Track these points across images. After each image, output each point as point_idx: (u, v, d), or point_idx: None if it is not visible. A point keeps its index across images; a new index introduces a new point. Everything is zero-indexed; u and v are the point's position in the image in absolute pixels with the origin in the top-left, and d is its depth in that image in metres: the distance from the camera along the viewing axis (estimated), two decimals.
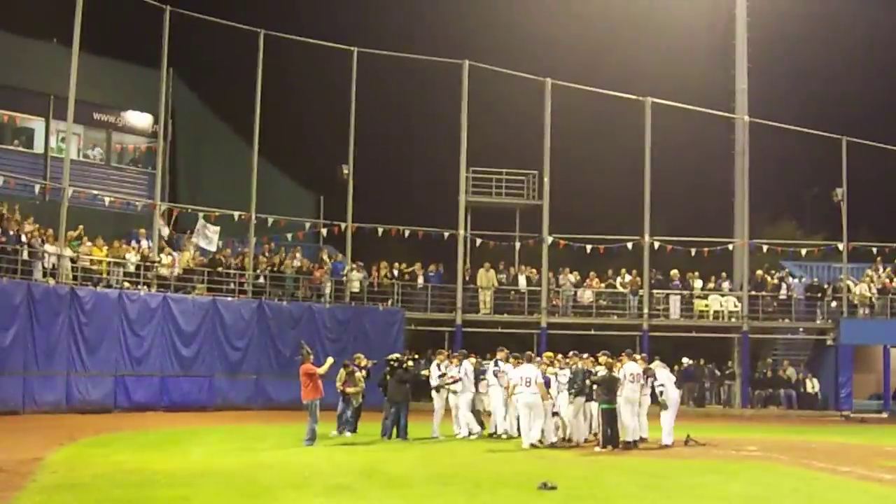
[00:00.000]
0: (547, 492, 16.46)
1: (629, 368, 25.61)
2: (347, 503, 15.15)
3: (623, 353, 26.33)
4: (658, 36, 52.67)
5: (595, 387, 24.87)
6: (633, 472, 19.72)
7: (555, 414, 26.01)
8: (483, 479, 18.10)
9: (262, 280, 39.98)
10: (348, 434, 26.47)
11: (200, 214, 39.53)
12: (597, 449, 24.20)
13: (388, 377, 26.70)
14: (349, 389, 26.61)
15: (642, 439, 25.90)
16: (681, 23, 51.17)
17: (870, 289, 45.48)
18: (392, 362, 26.87)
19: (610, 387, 24.61)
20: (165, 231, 38.69)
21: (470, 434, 27.27)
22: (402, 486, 17.08)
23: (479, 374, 28.14)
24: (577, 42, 51.86)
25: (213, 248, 39.16)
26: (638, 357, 27.61)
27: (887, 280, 45.96)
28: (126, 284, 35.93)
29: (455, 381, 27.32)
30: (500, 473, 19.12)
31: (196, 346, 36.53)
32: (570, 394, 25.56)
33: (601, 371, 25.27)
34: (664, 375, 26.81)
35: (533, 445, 24.76)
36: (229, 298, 38.06)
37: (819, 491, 17.61)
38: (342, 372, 27.27)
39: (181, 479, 17.30)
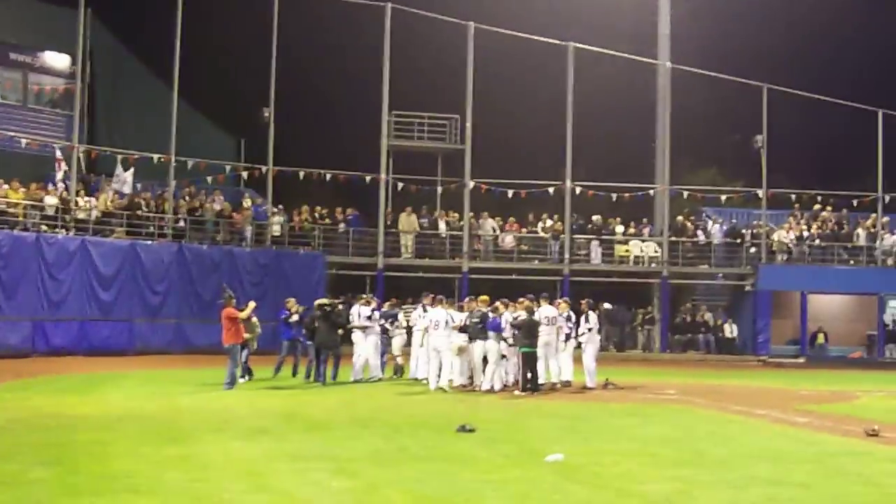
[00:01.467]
0: (465, 434, 16.51)
1: (545, 312, 25.73)
2: (266, 446, 15.06)
3: (540, 297, 26.44)
4: None
5: (515, 331, 24.90)
6: (553, 416, 19.87)
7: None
8: (402, 422, 18.15)
9: (182, 224, 39.59)
10: (244, 380, 25.84)
11: (119, 158, 39.03)
12: (517, 392, 24.25)
13: (315, 322, 26.55)
14: (247, 335, 26.13)
15: (565, 383, 26.12)
16: None
17: (788, 235, 46.07)
18: (324, 307, 26.72)
19: (530, 330, 24.61)
20: (60, 174, 37.78)
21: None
22: (321, 429, 17.07)
23: (390, 318, 28.16)
24: None
25: (127, 190, 38.69)
26: (562, 301, 27.77)
27: (805, 226, 46.58)
28: (44, 228, 35.41)
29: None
30: (419, 416, 19.16)
31: (115, 290, 36.14)
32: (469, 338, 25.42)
33: (522, 315, 25.32)
34: (593, 318, 27.09)
35: (440, 389, 24.89)
36: (149, 242, 37.68)
37: (734, 433, 17.84)
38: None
39: (99, 423, 17.16)
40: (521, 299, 25.66)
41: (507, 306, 25.81)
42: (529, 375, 24.40)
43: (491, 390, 24.60)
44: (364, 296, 29.21)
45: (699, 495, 11.90)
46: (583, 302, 27.65)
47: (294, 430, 17.03)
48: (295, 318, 27.31)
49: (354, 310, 27.41)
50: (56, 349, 34.05)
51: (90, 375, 27.76)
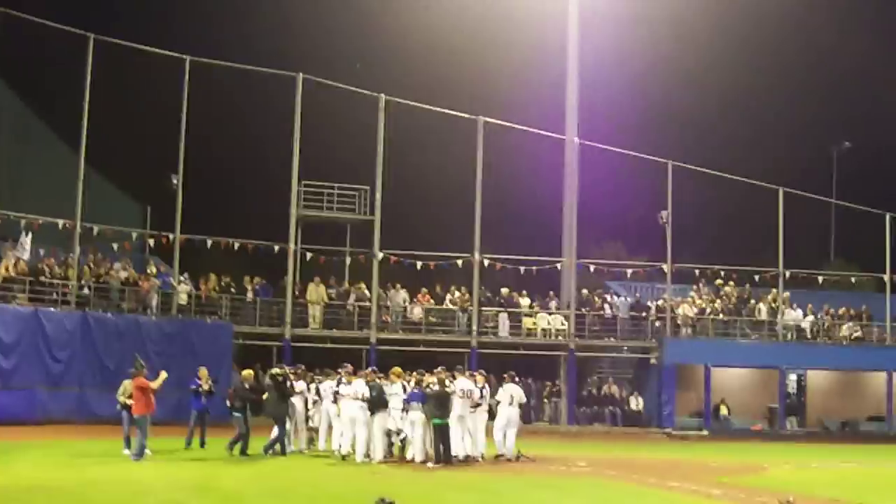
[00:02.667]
0: None
1: (461, 384, 25.66)
2: None
3: (455, 370, 26.42)
4: (493, 55, 53.13)
5: (425, 403, 24.74)
6: (469, 489, 19.77)
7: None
8: (319, 495, 17.91)
9: (86, 291, 38.92)
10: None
11: (22, 222, 38.39)
12: (430, 465, 24.06)
13: (265, 393, 26.27)
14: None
15: (476, 458, 25.96)
16: (516, 41, 51.74)
17: (692, 309, 46.68)
18: (277, 377, 26.35)
19: (442, 402, 24.52)
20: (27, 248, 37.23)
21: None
22: (236, 502, 16.76)
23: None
24: (412, 57, 51.99)
25: (26, 257, 38.02)
26: (477, 373, 27.70)
27: (709, 301, 47.24)
28: None
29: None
30: (336, 490, 18.94)
31: (16, 357, 35.23)
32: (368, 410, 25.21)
33: (434, 387, 25.22)
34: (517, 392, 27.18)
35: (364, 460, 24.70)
36: (52, 309, 36.94)
37: None
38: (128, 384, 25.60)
39: (9, 496, 16.68)
40: (436, 370, 25.56)
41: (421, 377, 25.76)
42: (442, 447, 24.27)
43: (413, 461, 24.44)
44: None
45: None
46: (505, 375, 27.71)
47: (208, 502, 16.71)
48: (206, 387, 26.90)
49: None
50: None
51: None
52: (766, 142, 62.47)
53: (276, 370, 27.26)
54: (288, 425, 26.79)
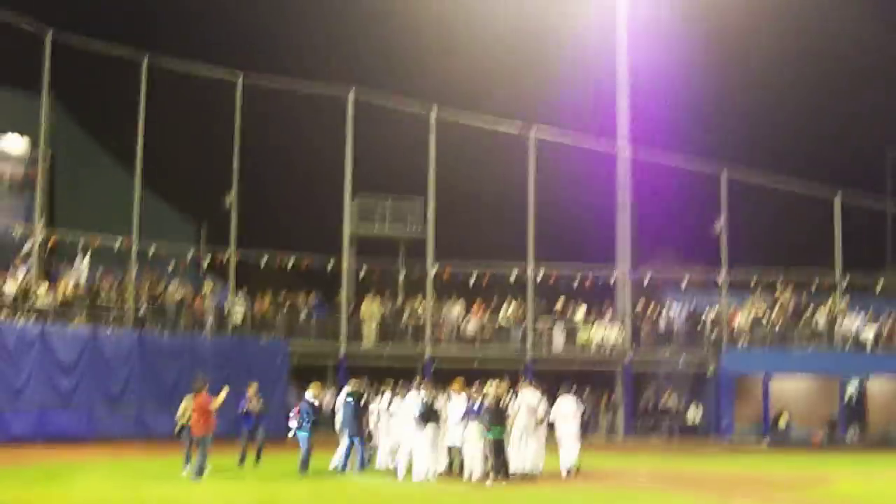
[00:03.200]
0: None
1: (526, 397, 25.48)
2: None
3: (520, 382, 26.28)
4: (543, 64, 52.86)
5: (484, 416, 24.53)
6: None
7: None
8: None
9: (142, 311, 39.16)
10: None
11: (80, 243, 38.72)
12: (487, 482, 23.81)
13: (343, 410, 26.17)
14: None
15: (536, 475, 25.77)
16: (566, 51, 51.43)
17: (748, 319, 46.22)
18: (354, 394, 26.27)
19: (498, 416, 24.28)
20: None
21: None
22: None
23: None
24: (462, 69, 51.80)
25: (83, 278, 38.35)
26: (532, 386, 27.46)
27: (765, 310, 46.74)
28: (3, 316, 34.87)
29: None
30: None
31: (75, 378, 35.51)
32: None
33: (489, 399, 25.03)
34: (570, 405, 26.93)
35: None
36: (109, 330, 37.18)
37: None
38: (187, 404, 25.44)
39: None
40: (493, 382, 25.28)
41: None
42: (498, 462, 24.02)
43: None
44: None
45: None
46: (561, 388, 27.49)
47: None
48: (253, 406, 27.07)
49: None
50: (15, 438, 33.29)
51: (52, 465, 27.12)
52: (821, 147, 61.71)
53: (351, 387, 27.01)
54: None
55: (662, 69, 51.06)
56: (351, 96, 43.04)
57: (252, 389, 27.49)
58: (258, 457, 27.14)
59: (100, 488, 21.56)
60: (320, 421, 26.56)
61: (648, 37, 48.61)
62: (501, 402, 24.51)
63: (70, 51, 38.09)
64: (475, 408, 24.51)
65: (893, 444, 45.01)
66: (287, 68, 44.62)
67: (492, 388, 24.96)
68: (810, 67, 61.70)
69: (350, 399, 26.11)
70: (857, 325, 46.76)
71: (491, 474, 23.90)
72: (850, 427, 46.35)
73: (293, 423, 25.81)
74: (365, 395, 26.63)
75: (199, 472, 23.36)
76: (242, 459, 27.04)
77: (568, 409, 26.73)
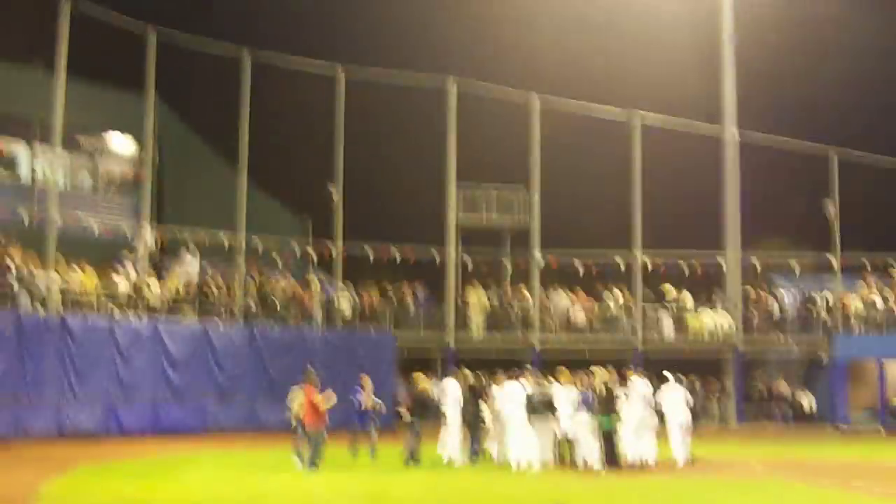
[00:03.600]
0: None
1: (639, 386, 25.23)
2: None
3: (629, 370, 26.07)
4: (646, 50, 52.14)
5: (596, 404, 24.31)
6: (643, 495, 19.34)
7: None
8: (492, 501, 17.67)
9: (251, 305, 39.50)
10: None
11: (188, 239, 39.20)
12: (599, 471, 23.56)
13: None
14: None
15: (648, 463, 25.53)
16: (668, 36, 50.77)
17: (863, 302, 45.27)
18: (475, 385, 26.33)
19: (608, 404, 24.01)
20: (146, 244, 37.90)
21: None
22: None
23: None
24: (564, 55, 51.29)
25: (193, 276, 38.78)
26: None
27: (880, 293, 45.71)
28: (116, 312, 35.36)
29: None
30: (507, 495, 18.66)
31: (187, 372, 35.93)
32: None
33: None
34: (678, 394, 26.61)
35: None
36: (220, 325, 37.54)
37: None
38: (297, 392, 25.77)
39: None
40: (602, 369, 25.02)
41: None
42: (609, 450, 23.77)
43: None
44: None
45: None
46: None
47: None
48: (368, 403, 26.92)
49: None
50: (128, 432, 33.80)
51: (165, 458, 27.42)
52: None
53: (472, 379, 26.99)
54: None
55: (769, 49, 50.22)
56: (453, 87, 42.91)
57: (366, 384, 27.29)
58: (373, 453, 27.03)
59: (213, 480, 21.70)
60: (429, 413, 26.52)
61: (754, 15, 47.81)
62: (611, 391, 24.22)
63: (174, 49, 38.51)
64: (588, 398, 24.35)
65: None
66: (387, 60, 44.58)
67: (599, 376, 24.73)
68: None
69: (466, 390, 26.14)
70: None
71: (602, 464, 23.68)
72: None
73: (404, 414, 25.84)
74: (481, 386, 26.57)
75: (312, 464, 23.43)
76: (355, 453, 27.03)
77: (677, 397, 26.34)
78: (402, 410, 26.06)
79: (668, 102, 46.71)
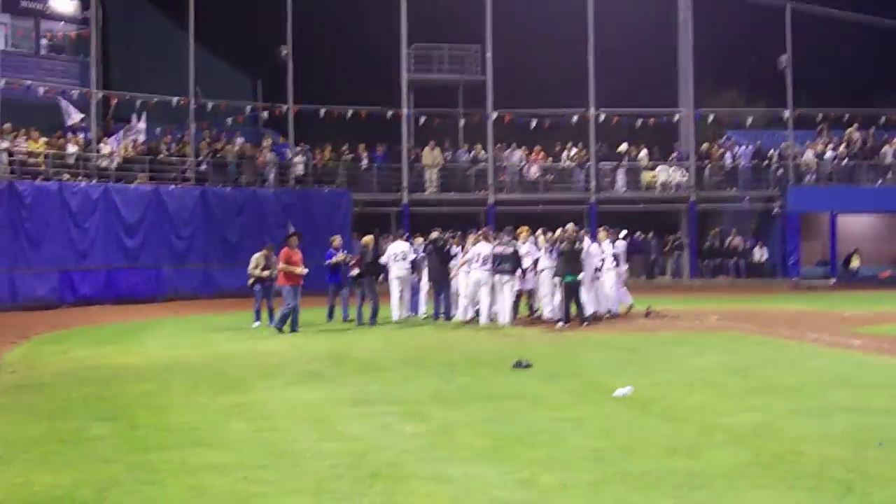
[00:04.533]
0: (522, 370, 16.13)
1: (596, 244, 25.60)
2: (323, 390, 14.63)
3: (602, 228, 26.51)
4: None
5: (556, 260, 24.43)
6: (605, 348, 19.48)
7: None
8: (456, 360, 17.74)
9: (204, 167, 39.15)
10: (258, 324, 25.28)
11: (137, 102, 38.65)
12: (559, 325, 23.77)
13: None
14: (264, 273, 25.31)
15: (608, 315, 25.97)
16: None
17: (815, 155, 45.49)
18: (437, 241, 26.09)
19: (573, 260, 24.04)
20: (78, 117, 37.17)
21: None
22: (374, 371, 16.65)
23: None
24: None
25: (141, 138, 38.27)
26: (601, 230, 27.33)
27: (832, 146, 45.92)
28: (66, 176, 34.93)
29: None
30: (470, 354, 18.75)
31: (140, 236, 35.75)
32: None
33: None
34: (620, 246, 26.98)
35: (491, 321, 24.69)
36: (172, 187, 37.21)
37: (795, 358, 17.44)
38: (259, 257, 25.66)
39: (146, 374, 16.74)
40: (566, 228, 25.02)
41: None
42: (574, 306, 23.96)
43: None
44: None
45: (785, 426, 11.40)
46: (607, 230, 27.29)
47: (347, 372, 16.60)
48: (341, 258, 26.50)
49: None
50: (84, 299, 33.73)
51: (123, 324, 27.35)
52: None
53: (435, 235, 26.78)
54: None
55: None
56: None
57: (336, 242, 26.92)
58: (346, 314, 26.61)
59: (173, 345, 21.64)
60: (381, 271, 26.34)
61: None
62: (575, 246, 24.24)
63: None
64: (552, 252, 24.50)
65: None
66: None
67: (565, 232, 24.74)
68: None
69: (433, 246, 26.06)
70: None
71: (563, 319, 23.88)
72: None
73: (355, 272, 25.64)
74: (447, 244, 26.42)
75: (282, 321, 23.33)
76: (331, 315, 26.81)
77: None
78: (353, 269, 25.72)
79: None
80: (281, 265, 23.86)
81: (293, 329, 23.31)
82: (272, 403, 13.57)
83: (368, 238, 26.72)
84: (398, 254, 26.21)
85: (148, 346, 21.73)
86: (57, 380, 16.29)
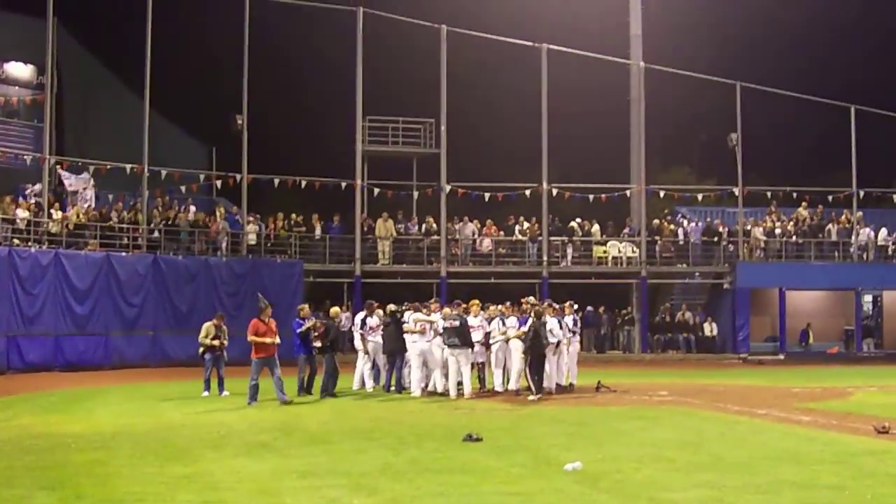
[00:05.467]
0: (473, 443, 16.09)
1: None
2: (271, 462, 14.53)
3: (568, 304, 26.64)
4: None
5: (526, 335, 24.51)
6: (556, 421, 19.47)
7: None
8: (406, 432, 17.66)
9: (156, 234, 38.98)
10: (206, 394, 25.15)
11: (90, 168, 38.52)
12: (531, 397, 23.72)
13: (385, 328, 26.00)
14: (215, 342, 25.25)
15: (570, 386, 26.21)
16: None
17: (764, 232, 45.99)
18: (396, 313, 25.90)
19: (537, 334, 24.11)
20: (38, 187, 37.14)
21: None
22: (324, 443, 16.57)
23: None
24: None
25: (90, 201, 38.13)
26: (566, 305, 27.40)
27: (781, 224, 46.48)
28: (16, 241, 34.65)
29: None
30: (421, 426, 18.67)
31: (90, 303, 35.43)
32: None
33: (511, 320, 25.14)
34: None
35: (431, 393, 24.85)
36: (123, 254, 36.99)
37: (744, 434, 17.50)
38: (210, 326, 25.63)
39: (93, 443, 16.57)
40: (527, 300, 25.22)
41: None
42: (538, 379, 24.03)
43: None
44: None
45: (734, 502, 11.47)
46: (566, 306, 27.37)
47: (296, 444, 16.50)
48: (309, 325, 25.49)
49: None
50: (31, 365, 33.37)
51: (71, 392, 27.10)
52: (836, 58, 61.10)
53: (393, 306, 26.65)
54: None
55: None
56: (360, 14, 42.43)
57: (305, 311, 26.22)
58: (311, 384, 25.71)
59: (122, 413, 21.48)
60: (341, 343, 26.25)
61: None
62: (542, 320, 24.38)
63: None
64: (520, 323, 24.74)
65: None
66: None
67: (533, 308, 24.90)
68: None
69: (390, 318, 25.96)
70: (870, 237, 46.53)
71: (537, 390, 23.93)
72: (865, 340, 46.33)
73: (317, 344, 25.36)
74: (402, 315, 26.26)
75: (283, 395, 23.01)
76: (301, 388, 25.45)
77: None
78: (317, 341, 25.45)
79: (576, 35, 46.81)
80: (250, 337, 23.15)
81: (251, 401, 22.91)
82: (220, 475, 13.48)
83: (336, 309, 26.68)
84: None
85: (95, 413, 21.54)
86: (0, 447, 16.09)
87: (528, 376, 24.22)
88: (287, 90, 51.93)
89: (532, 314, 24.62)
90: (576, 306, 28.67)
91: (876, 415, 19.54)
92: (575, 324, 27.11)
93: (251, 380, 23.05)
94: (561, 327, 25.49)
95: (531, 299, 25.73)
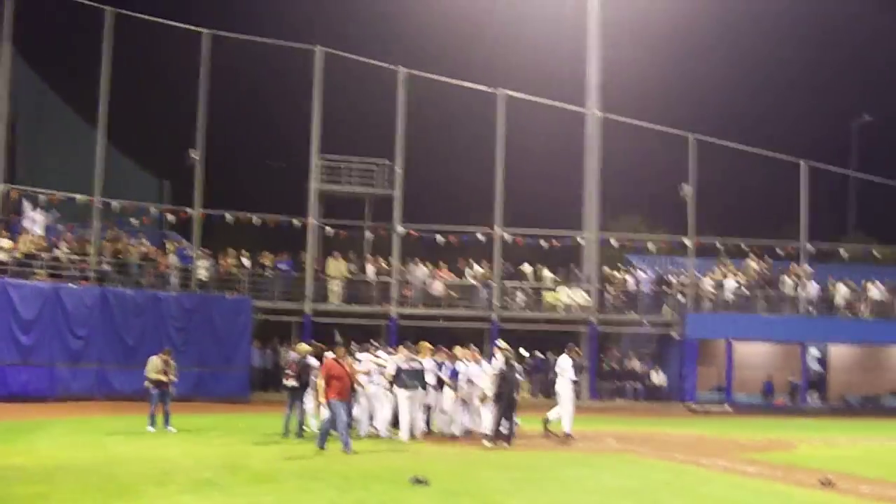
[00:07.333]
0: (419, 486, 16.03)
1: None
2: (216, 500, 14.43)
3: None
4: (513, 28, 52.55)
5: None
6: (502, 467, 19.44)
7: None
8: (352, 473, 17.58)
9: (105, 267, 38.69)
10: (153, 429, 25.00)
11: (40, 198, 38.26)
12: (487, 444, 23.66)
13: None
14: (164, 378, 25.20)
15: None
16: (536, 14, 51.15)
17: (715, 284, 46.29)
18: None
19: (507, 379, 24.11)
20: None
21: None
22: (269, 482, 16.47)
23: None
24: (431, 31, 51.41)
25: (38, 231, 37.86)
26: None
27: (731, 275, 46.81)
28: None
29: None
30: (368, 468, 18.58)
31: (36, 334, 35.05)
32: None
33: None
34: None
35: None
36: (71, 285, 36.66)
37: (690, 484, 17.56)
38: (157, 360, 25.59)
39: (35, 476, 16.38)
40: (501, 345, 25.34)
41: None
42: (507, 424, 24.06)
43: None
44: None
45: None
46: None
47: (241, 482, 16.38)
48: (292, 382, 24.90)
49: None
50: None
51: (13, 423, 26.82)
52: (786, 115, 61.99)
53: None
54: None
55: (633, 32, 50.99)
56: (318, 53, 42.52)
57: (302, 349, 25.81)
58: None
59: (66, 446, 21.26)
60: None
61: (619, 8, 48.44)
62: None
63: (32, 3, 37.41)
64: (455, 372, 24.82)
65: (853, 409, 45.36)
66: (254, 25, 44.07)
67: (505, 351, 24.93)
68: (778, 35, 61.83)
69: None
70: (817, 291, 46.98)
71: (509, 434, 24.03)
72: (811, 392, 46.66)
73: (291, 382, 24.82)
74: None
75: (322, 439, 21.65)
76: (287, 430, 24.99)
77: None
78: (290, 378, 24.91)
79: (533, 82, 47.14)
80: (322, 377, 21.66)
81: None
82: None
83: (305, 347, 26.10)
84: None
85: (38, 446, 21.31)
86: None
87: (494, 419, 24.18)
88: (243, 126, 51.91)
89: (503, 357, 24.63)
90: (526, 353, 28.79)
91: (820, 468, 19.63)
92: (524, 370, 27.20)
93: (326, 423, 21.56)
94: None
95: (500, 342, 25.69)
